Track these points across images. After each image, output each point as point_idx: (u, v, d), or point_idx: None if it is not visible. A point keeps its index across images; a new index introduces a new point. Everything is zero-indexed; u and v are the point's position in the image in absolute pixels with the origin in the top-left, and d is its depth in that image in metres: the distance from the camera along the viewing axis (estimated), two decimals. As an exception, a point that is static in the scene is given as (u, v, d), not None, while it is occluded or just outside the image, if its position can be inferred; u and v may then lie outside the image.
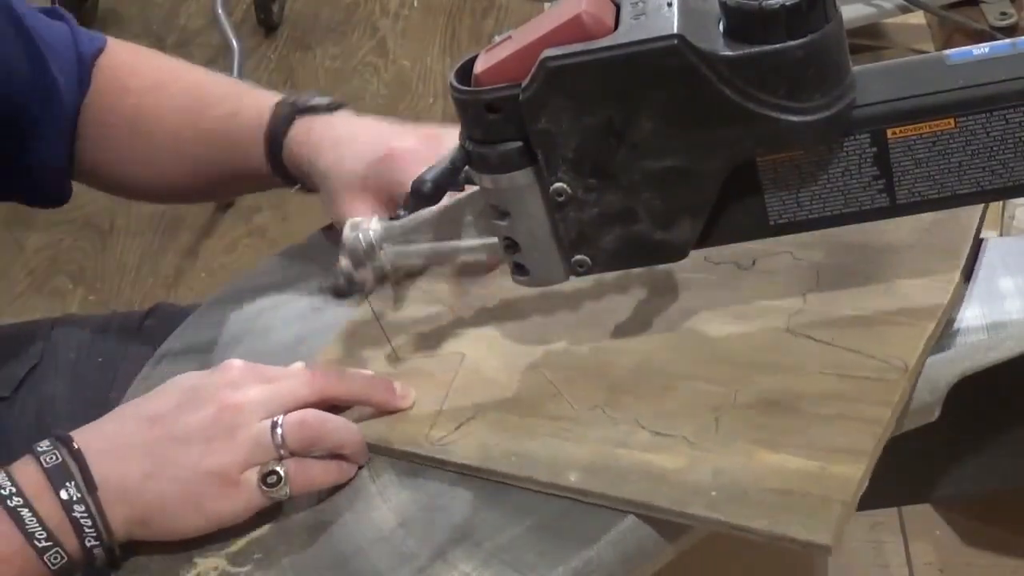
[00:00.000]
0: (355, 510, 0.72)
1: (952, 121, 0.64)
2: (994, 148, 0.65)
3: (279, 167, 0.91)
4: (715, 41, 0.63)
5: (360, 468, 0.74)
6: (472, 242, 0.74)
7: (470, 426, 0.73)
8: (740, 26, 0.62)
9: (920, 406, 0.69)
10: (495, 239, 0.72)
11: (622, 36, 0.63)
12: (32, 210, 1.09)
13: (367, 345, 0.82)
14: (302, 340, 0.85)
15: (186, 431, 0.71)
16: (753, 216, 0.68)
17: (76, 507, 0.69)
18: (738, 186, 0.67)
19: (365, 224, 0.75)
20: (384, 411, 0.76)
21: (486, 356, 0.78)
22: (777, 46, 0.61)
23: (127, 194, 1.05)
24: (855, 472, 0.63)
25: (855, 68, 0.65)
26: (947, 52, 0.65)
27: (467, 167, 0.69)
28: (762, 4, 0.61)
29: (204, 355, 0.88)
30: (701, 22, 0.63)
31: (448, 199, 0.73)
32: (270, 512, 0.72)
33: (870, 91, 0.65)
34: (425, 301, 0.84)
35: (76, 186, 1.01)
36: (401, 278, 0.84)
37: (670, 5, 0.64)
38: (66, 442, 0.70)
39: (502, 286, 0.79)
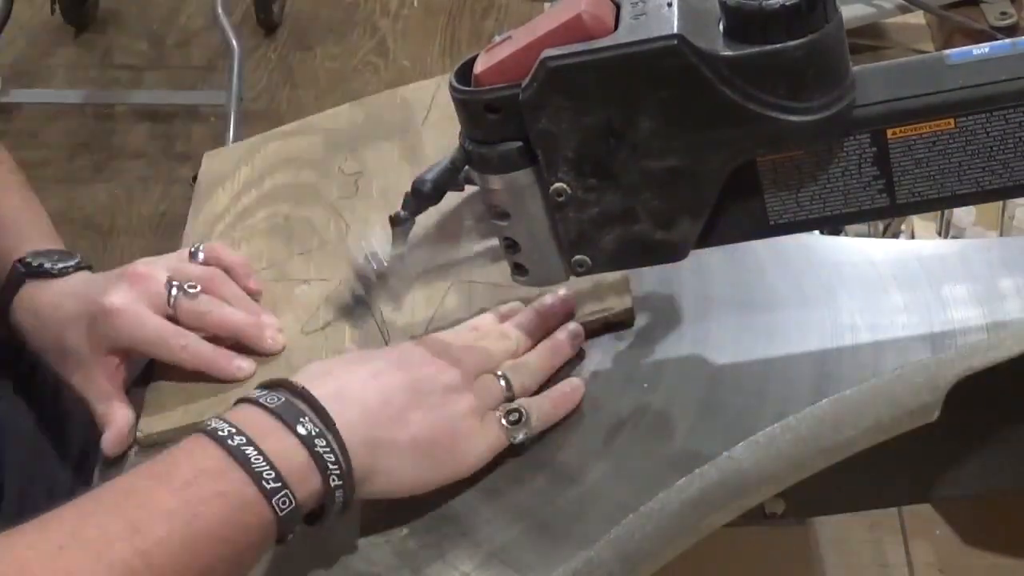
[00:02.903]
0: (355, 510, 0.72)
1: (952, 121, 0.64)
2: (994, 148, 0.65)
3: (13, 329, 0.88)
4: (715, 41, 0.63)
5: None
6: (472, 244, 0.74)
7: None
8: (740, 26, 0.62)
9: (920, 406, 0.69)
10: (495, 240, 0.72)
11: (622, 36, 0.63)
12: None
13: (367, 345, 0.82)
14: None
15: (422, 381, 0.69)
16: (753, 216, 0.68)
17: (318, 441, 0.63)
18: (738, 186, 0.67)
19: (368, 232, 0.75)
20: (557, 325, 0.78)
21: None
22: (777, 46, 0.61)
23: None
24: None
25: (855, 68, 0.65)
26: (947, 52, 0.65)
27: (467, 167, 0.69)
28: (762, 4, 0.61)
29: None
30: (701, 22, 0.63)
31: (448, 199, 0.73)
32: None
33: (870, 91, 0.65)
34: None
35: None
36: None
37: (670, 5, 0.64)
38: (285, 385, 0.66)
39: (503, 288, 0.79)
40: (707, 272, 0.80)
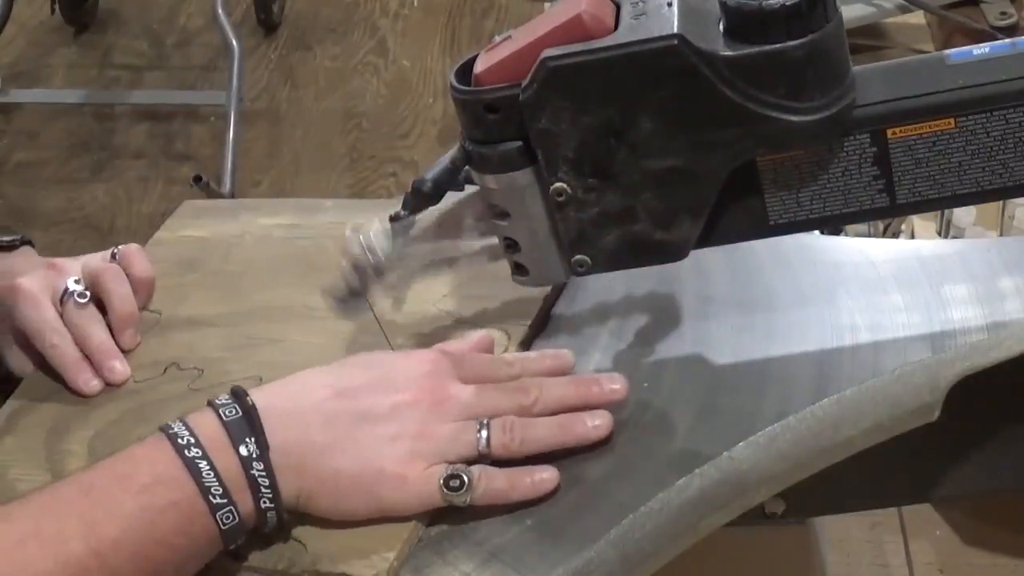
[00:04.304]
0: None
1: (952, 121, 0.64)
2: (994, 148, 0.65)
3: None
4: (715, 41, 0.63)
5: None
6: (472, 243, 0.74)
7: None
8: (740, 26, 0.62)
9: (920, 406, 0.69)
10: (495, 239, 0.72)
11: (622, 36, 0.63)
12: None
13: (367, 346, 0.82)
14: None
15: (376, 411, 0.68)
16: (753, 216, 0.68)
17: (255, 464, 0.65)
18: (738, 186, 0.67)
19: (366, 227, 0.75)
20: (598, 406, 0.71)
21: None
22: (777, 46, 0.61)
23: None
24: None
25: (855, 68, 0.65)
26: (947, 52, 0.65)
27: (467, 167, 0.69)
28: (762, 4, 0.61)
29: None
30: (701, 22, 0.63)
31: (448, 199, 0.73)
32: None
33: (870, 91, 0.65)
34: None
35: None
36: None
37: (670, 5, 0.64)
38: (240, 397, 0.67)
39: (502, 286, 0.79)
40: (707, 272, 0.80)
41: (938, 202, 0.67)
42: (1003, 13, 1.27)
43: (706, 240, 0.69)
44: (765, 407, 0.70)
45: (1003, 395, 0.75)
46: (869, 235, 1.09)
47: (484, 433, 0.68)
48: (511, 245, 0.71)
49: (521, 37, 0.66)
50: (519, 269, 0.72)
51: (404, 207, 0.72)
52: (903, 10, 1.33)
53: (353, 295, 0.80)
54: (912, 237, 1.16)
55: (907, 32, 1.41)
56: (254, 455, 0.65)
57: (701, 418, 0.72)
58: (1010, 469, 0.81)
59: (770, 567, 0.93)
